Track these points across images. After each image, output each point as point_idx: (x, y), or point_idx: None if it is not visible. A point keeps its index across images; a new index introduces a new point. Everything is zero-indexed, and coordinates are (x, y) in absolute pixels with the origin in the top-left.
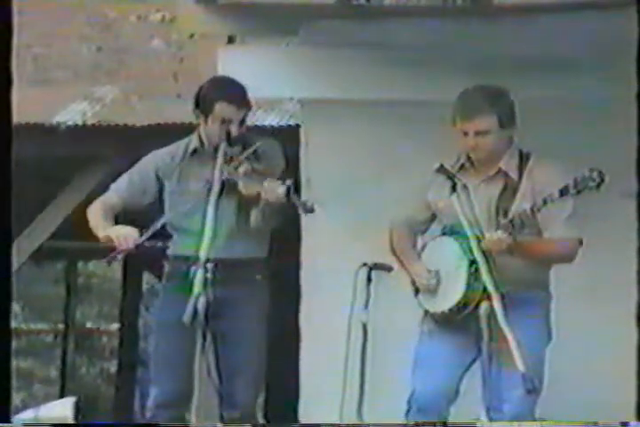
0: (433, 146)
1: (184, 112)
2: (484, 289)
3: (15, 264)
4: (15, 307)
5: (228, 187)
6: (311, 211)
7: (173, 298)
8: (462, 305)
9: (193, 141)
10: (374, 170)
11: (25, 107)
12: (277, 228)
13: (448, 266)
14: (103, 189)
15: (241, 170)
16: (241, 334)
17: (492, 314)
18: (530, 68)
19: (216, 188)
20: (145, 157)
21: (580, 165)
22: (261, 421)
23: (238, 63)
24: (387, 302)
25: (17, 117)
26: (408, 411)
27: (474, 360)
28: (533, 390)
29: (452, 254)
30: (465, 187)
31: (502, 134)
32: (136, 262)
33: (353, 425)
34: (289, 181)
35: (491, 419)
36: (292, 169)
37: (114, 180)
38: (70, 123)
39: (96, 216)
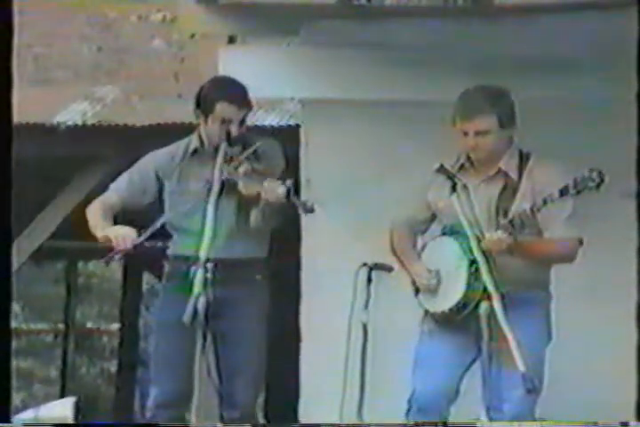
0: (433, 146)
1: (185, 112)
2: (484, 289)
3: (15, 264)
4: (15, 307)
5: (227, 187)
6: (311, 211)
7: (173, 298)
8: (462, 305)
9: (193, 141)
10: (375, 170)
11: (25, 107)
12: (277, 228)
13: (448, 266)
14: (103, 188)
15: (241, 170)
16: (241, 334)
17: (492, 314)
18: (530, 69)
19: (216, 188)
20: (145, 156)
21: (581, 165)
22: (261, 421)
23: (239, 63)
24: (387, 302)
25: (17, 117)
26: (408, 411)
27: (474, 360)
28: (533, 390)
29: (452, 254)
30: (465, 187)
31: (502, 134)
32: (136, 262)
33: (353, 425)
34: (289, 182)
35: (491, 419)
36: (292, 169)
37: (114, 180)
38: (70, 123)
39: (95, 216)
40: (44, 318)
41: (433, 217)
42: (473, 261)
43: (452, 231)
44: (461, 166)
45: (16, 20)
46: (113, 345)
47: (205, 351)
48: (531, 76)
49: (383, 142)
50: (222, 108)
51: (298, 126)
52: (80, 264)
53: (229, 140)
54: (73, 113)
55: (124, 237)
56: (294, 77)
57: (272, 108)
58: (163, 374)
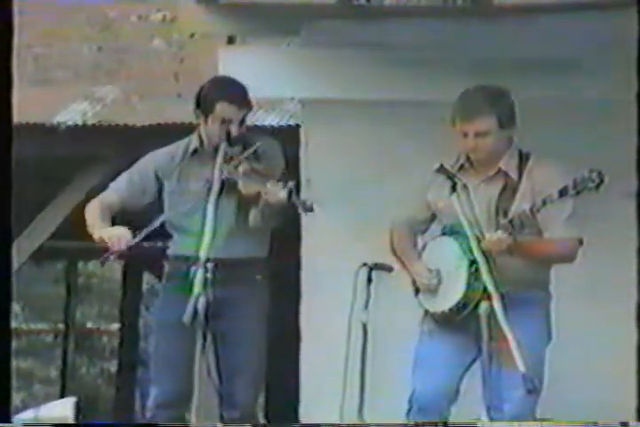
0: (433, 146)
1: (185, 112)
2: (484, 289)
3: (15, 264)
4: (15, 307)
5: (227, 186)
6: (310, 210)
7: (173, 298)
8: (462, 305)
9: (193, 141)
10: (375, 170)
11: (25, 107)
12: (277, 227)
13: (448, 266)
14: (103, 189)
15: (241, 169)
16: (241, 334)
17: (492, 314)
18: (530, 69)
19: (216, 187)
20: (145, 156)
21: (581, 165)
22: (261, 421)
23: (239, 63)
24: (387, 302)
25: (17, 117)
26: (408, 411)
27: (474, 360)
28: (533, 390)
29: (452, 254)
30: (465, 187)
31: (502, 135)
32: (136, 262)
33: (353, 425)
34: (291, 184)
35: (491, 419)
36: (292, 169)
37: (114, 179)
38: (71, 123)
39: (93, 216)
40: (44, 318)
41: (433, 217)
42: (473, 261)
43: (452, 231)
44: (461, 166)
45: (16, 19)
46: (113, 345)
47: (205, 351)
48: (531, 76)
49: (383, 142)
50: (222, 108)
51: (298, 126)
52: (80, 264)
53: (229, 140)
54: (73, 113)
55: (119, 237)
56: (294, 77)
57: (272, 108)
58: (163, 374)
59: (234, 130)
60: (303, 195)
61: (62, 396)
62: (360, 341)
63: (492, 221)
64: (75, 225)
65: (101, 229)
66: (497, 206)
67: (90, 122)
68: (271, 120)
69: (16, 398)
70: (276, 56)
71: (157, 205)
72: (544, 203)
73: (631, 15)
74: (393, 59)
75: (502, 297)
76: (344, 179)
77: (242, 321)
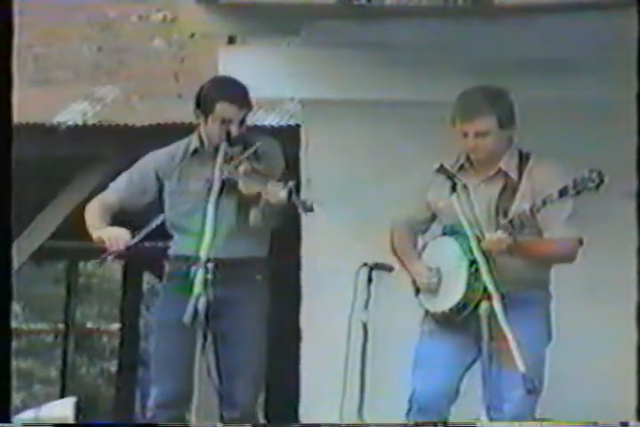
0: (433, 146)
1: (185, 112)
2: (484, 289)
3: (15, 264)
4: (15, 307)
5: (228, 186)
6: (310, 210)
7: (174, 298)
8: (462, 305)
9: (193, 141)
10: (375, 170)
11: (25, 107)
12: (277, 227)
13: (448, 266)
14: (103, 189)
15: (241, 169)
16: (241, 334)
17: (492, 314)
18: (530, 69)
19: (216, 187)
20: (145, 156)
21: (581, 165)
22: (261, 421)
23: (239, 63)
24: (387, 302)
25: (17, 117)
26: (408, 411)
27: (474, 360)
28: (533, 390)
29: (453, 254)
30: (465, 187)
31: (502, 135)
32: (136, 262)
33: (353, 425)
34: (291, 184)
35: (491, 419)
36: (292, 169)
37: (114, 180)
38: (71, 123)
39: (92, 216)
40: (44, 318)
41: (433, 217)
42: (473, 261)
43: (452, 231)
44: (461, 166)
45: (16, 19)
46: (113, 345)
47: (205, 351)
48: (531, 77)
49: (383, 142)
50: (222, 108)
51: (298, 126)
52: (80, 264)
53: (229, 139)
54: (73, 113)
55: (117, 238)
56: (294, 77)
57: (272, 108)
58: (163, 374)
59: (234, 130)
60: (303, 195)
61: (62, 396)
62: (360, 341)
63: (491, 221)
64: (75, 225)
65: (100, 230)
66: (497, 206)
67: (90, 122)
68: (271, 120)
69: (16, 398)
70: (276, 56)
71: (157, 205)
72: (544, 203)
73: (631, 15)
74: (393, 59)
75: (502, 297)
76: (344, 179)
77: (242, 321)
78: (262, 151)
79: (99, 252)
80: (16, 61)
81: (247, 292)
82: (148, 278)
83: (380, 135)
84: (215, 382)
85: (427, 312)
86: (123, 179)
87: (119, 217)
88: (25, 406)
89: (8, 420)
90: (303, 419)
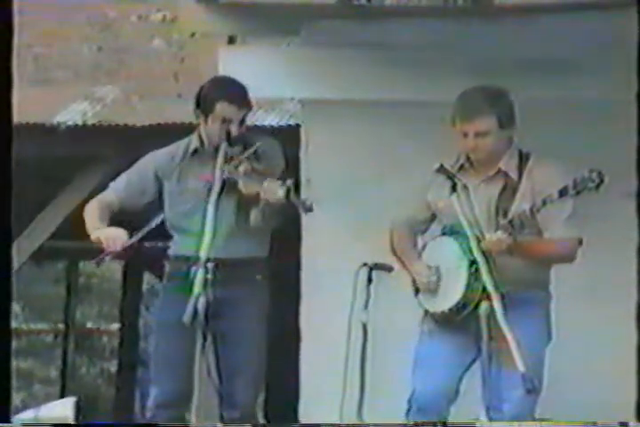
0: (433, 146)
1: (185, 112)
2: (484, 289)
3: (15, 264)
4: (15, 307)
5: (228, 186)
6: (310, 210)
7: (174, 298)
8: (462, 305)
9: (193, 141)
10: (375, 170)
11: (25, 107)
12: (277, 227)
13: (448, 266)
14: (103, 189)
15: (241, 169)
16: (241, 334)
17: (491, 314)
18: (530, 69)
19: (217, 187)
20: (145, 156)
21: (581, 165)
22: (261, 421)
23: (239, 63)
24: (387, 302)
25: (17, 117)
26: (408, 411)
27: (474, 360)
28: (533, 390)
29: (452, 254)
30: (465, 187)
31: (502, 135)
32: (136, 262)
33: (353, 425)
34: (289, 181)
35: (490, 419)
36: (292, 169)
37: (114, 180)
38: (71, 123)
39: (91, 216)
40: (44, 318)
41: (433, 217)
42: (473, 262)
43: (452, 231)
44: (461, 166)
45: (16, 19)
46: (113, 345)
47: (205, 351)
48: (531, 77)
49: (383, 142)
50: (222, 108)
51: (298, 126)
52: (80, 264)
53: (230, 139)
54: (73, 113)
55: (115, 238)
56: (294, 77)
57: (272, 108)
58: (163, 374)
59: (234, 130)
60: (303, 195)
61: (62, 396)
62: (360, 341)
63: (491, 222)
64: (75, 225)
65: (98, 230)
66: (497, 206)
67: (90, 122)
68: (271, 120)
69: (16, 398)
70: (276, 56)
71: (157, 206)
72: (544, 203)
73: (631, 15)
74: (393, 59)
75: (502, 297)
76: (344, 179)
77: (242, 321)
78: (262, 151)
79: (99, 252)
80: (16, 61)
81: (247, 292)
82: (148, 278)
83: (380, 135)
84: (215, 382)
85: (426, 312)
86: (122, 179)
87: (119, 217)
88: (25, 406)
89: (8, 420)
90: (303, 419)
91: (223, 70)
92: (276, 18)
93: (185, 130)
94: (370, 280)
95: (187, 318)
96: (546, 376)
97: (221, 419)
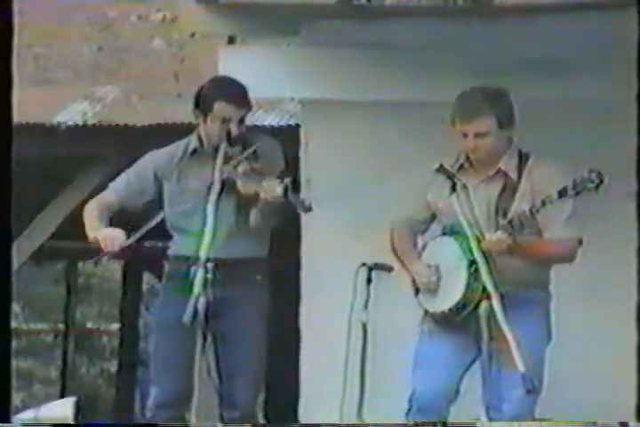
0: (433, 146)
1: (185, 112)
2: (484, 289)
3: (15, 264)
4: (15, 307)
5: (227, 186)
6: (309, 209)
7: (173, 298)
8: (462, 305)
9: (192, 141)
10: (375, 170)
11: (25, 107)
12: (277, 227)
13: (448, 266)
14: (103, 189)
15: (240, 169)
16: (241, 334)
17: (491, 314)
18: (530, 69)
19: (217, 187)
20: (144, 156)
21: (580, 165)
22: (261, 421)
23: (239, 63)
24: (387, 303)
25: (17, 117)
26: (408, 411)
27: (474, 360)
28: (533, 390)
29: (452, 254)
30: (465, 187)
31: (501, 135)
32: (136, 262)
33: (353, 425)
34: (287, 180)
35: (491, 419)
36: (291, 169)
37: (114, 180)
38: (71, 123)
39: (89, 217)
40: (44, 318)
41: (433, 217)
42: (472, 262)
43: (452, 231)
44: (461, 166)
45: (16, 19)
46: (113, 345)
47: (205, 351)
48: (531, 77)
49: (383, 142)
50: (221, 108)
51: (298, 126)
52: (80, 264)
53: (229, 139)
54: (73, 113)
55: (112, 239)
56: (294, 77)
57: (272, 108)
58: (163, 374)
59: (233, 129)
60: (303, 195)
61: (62, 396)
62: (360, 341)
63: (491, 222)
64: (75, 225)
65: (95, 231)
66: (497, 206)
67: (90, 122)
68: (271, 120)
69: (16, 398)
70: (275, 56)
71: (157, 206)
72: (543, 204)
73: (631, 15)
74: (393, 59)
75: (502, 297)
76: (344, 179)
77: (242, 321)
78: (261, 151)
79: (98, 252)
80: (16, 61)
81: (247, 292)
82: (147, 278)
83: (380, 135)
84: (215, 382)
85: (426, 312)
86: (122, 179)
87: (119, 217)
88: (25, 406)
89: (8, 420)
90: (303, 419)
91: (223, 70)
92: (276, 18)
93: (185, 130)
94: (370, 280)
95: (187, 318)
96: (546, 376)
97: (221, 419)
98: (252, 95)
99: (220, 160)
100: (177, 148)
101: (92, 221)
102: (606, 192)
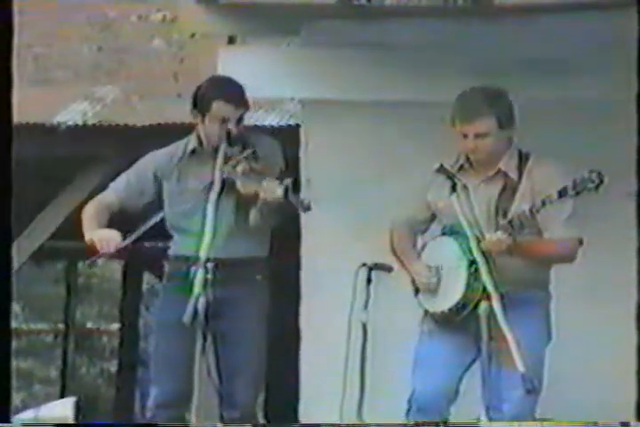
0: (433, 146)
1: (184, 112)
2: (484, 289)
3: (15, 264)
4: (15, 307)
5: (227, 186)
6: (308, 209)
7: (173, 298)
8: (462, 305)
9: (191, 141)
10: (375, 170)
11: (25, 107)
12: (277, 226)
13: (448, 266)
14: (103, 189)
15: (239, 169)
16: (241, 334)
17: (491, 314)
18: (530, 69)
19: (217, 187)
20: (144, 157)
21: (580, 165)
22: (261, 421)
23: (239, 63)
24: (387, 303)
25: (17, 117)
26: (408, 411)
27: (474, 360)
28: (533, 391)
29: (452, 254)
30: (465, 187)
31: (501, 135)
32: (136, 262)
33: (353, 425)
34: (287, 180)
35: (490, 419)
36: (291, 169)
37: (114, 180)
38: (71, 123)
39: (87, 218)
40: (44, 318)
41: (433, 217)
42: (472, 262)
43: (452, 231)
44: (461, 167)
45: (16, 19)
46: (113, 345)
47: (205, 351)
48: (531, 77)
49: (383, 142)
50: (219, 107)
51: (298, 126)
52: (80, 264)
53: (229, 139)
54: (73, 113)
55: (108, 240)
56: (294, 77)
57: (272, 108)
58: (163, 374)
59: (232, 129)
60: (303, 195)
61: (62, 396)
62: (360, 341)
63: (491, 222)
64: (75, 225)
65: (91, 232)
66: (497, 207)
67: (90, 122)
68: (271, 120)
69: (16, 398)
70: (275, 56)
71: (157, 206)
72: (543, 204)
73: (631, 15)
74: (393, 59)
75: (502, 297)
76: (344, 179)
77: (242, 321)
78: (261, 151)
79: (95, 253)
80: (16, 61)
81: (247, 292)
82: (147, 278)
83: (380, 135)
84: (215, 382)
85: (426, 312)
86: (121, 179)
87: (119, 217)
88: (25, 406)
89: (8, 420)
90: (303, 419)
91: (223, 70)
92: (276, 18)
93: (185, 130)
94: (369, 280)
95: (187, 318)
96: (546, 376)
97: (221, 419)
98: (252, 95)
99: (220, 160)
100: (176, 148)
101: (88, 223)
102: (606, 192)
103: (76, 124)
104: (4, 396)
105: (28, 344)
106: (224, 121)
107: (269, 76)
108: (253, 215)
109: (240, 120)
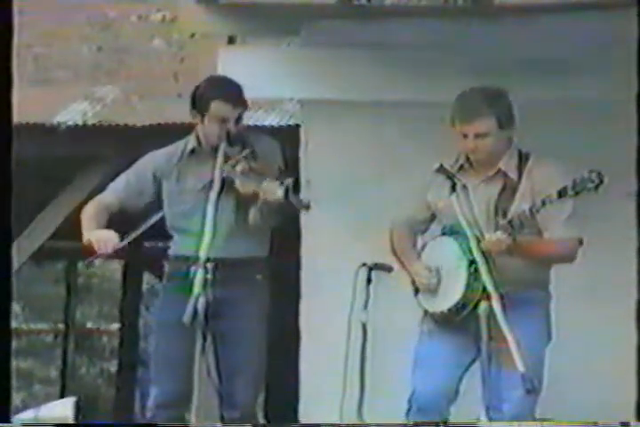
0: (433, 146)
1: (184, 112)
2: (484, 289)
3: (15, 264)
4: (15, 307)
5: (226, 186)
6: (307, 208)
7: (173, 298)
8: (462, 305)
9: (191, 141)
10: (375, 170)
11: (25, 107)
12: (277, 226)
13: (448, 266)
14: (103, 189)
15: (238, 168)
16: (241, 334)
17: (491, 314)
18: (530, 69)
19: (216, 187)
20: (144, 157)
21: (580, 165)
22: (261, 421)
23: (239, 63)
24: (387, 303)
25: (17, 117)
26: (408, 411)
27: (473, 360)
28: (533, 391)
29: (452, 254)
30: (464, 187)
31: (501, 135)
32: (136, 262)
33: (353, 425)
34: (288, 181)
35: (490, 419)
36: (291, 169)
37: (114, 180)
38: (71, 123)
39: (86, 218)
40: (44, 318)
41: (433, 217)
42: (472, 262)
43: (452, 231)
44: (461, 167)
45: (16, 19)
46: (113, 345)
47: (205, 351)
48: (531, 77)
49: (383, 142)
50: (217, 107)
51: (298, 126)
52: (80, 264)
53: (229, 139)
54: (73, 113)
55: (105, 241)
56: (294, 78)
57: (272, 108)
58: (163, 374)
59: (231, 129)
60: (303, 195)
61: (62, 396)
62: (360, 341)
63: (491, 222)
64: (75, 225)
65: (89, 232)
66: (496, 207)
67: (90, 122)
68: (271, 120)
69: (16, 398)
70: (275, 56)
71: (157, 206)
72: (543, 204)
73: (631, 15)
74: (393, 59)
75: (502, 297)
76: (344, 179)
77: (242, 321)
78: (260, 151)
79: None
80: (16, 61)
81: (247, 292)
82: (147, 278)
83: (380, 135)
84: (215, 382)
85: (426, 312)
86: (121, 180)
87: (119, 217)
88: (25, 406)
89: (8, 420)
90: (303, 419)
91: (223, 70)
92: (276, 18)
93: (185, 130)
94: (369, 280)
95: (187, 318)
96: (546, 376)
97: (221, 419)
98: (252, 95)
99: (219, 159)
100: (176, 148)
101: (86, 223)
102: (606, 192)
103: (76, 124)
104: (3, 396)
105: (28, 344)
106: (223, 121)
107: (269, 76)
108: (253, 215)
109: (239, 120)
